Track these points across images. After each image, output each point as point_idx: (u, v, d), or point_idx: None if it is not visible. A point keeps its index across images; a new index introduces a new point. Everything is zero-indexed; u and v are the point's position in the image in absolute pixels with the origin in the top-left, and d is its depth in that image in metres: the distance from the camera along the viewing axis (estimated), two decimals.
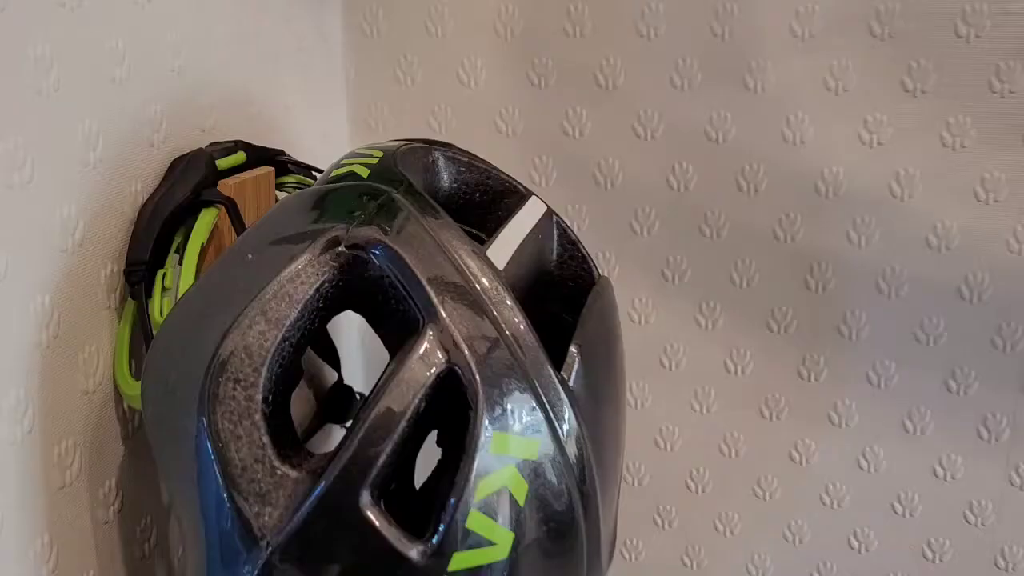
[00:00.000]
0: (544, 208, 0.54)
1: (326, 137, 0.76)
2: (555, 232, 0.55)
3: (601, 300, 0.52)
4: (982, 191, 0.69)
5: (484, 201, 0.55)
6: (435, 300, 0.40)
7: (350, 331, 0.79)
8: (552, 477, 0.42)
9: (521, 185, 0.55)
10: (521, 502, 0.41)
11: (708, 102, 0.72)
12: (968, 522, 0.76)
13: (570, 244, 0.55)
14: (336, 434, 0.72)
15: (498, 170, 0.55)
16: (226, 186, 0.52)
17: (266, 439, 0.40)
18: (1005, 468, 0.74)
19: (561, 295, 0.55)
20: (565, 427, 0.42)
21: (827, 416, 0.77)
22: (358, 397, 0.70)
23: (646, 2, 0.71)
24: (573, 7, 0.72)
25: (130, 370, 0.49)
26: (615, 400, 0.52)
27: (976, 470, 0.75)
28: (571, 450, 0.43)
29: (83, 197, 0.47)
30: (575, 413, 0.43)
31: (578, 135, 0.75)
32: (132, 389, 0.48)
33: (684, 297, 0.76)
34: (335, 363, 0.68)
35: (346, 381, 0.69)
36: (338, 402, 0.69)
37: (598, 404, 0.47)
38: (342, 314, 0.48)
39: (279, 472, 0.40)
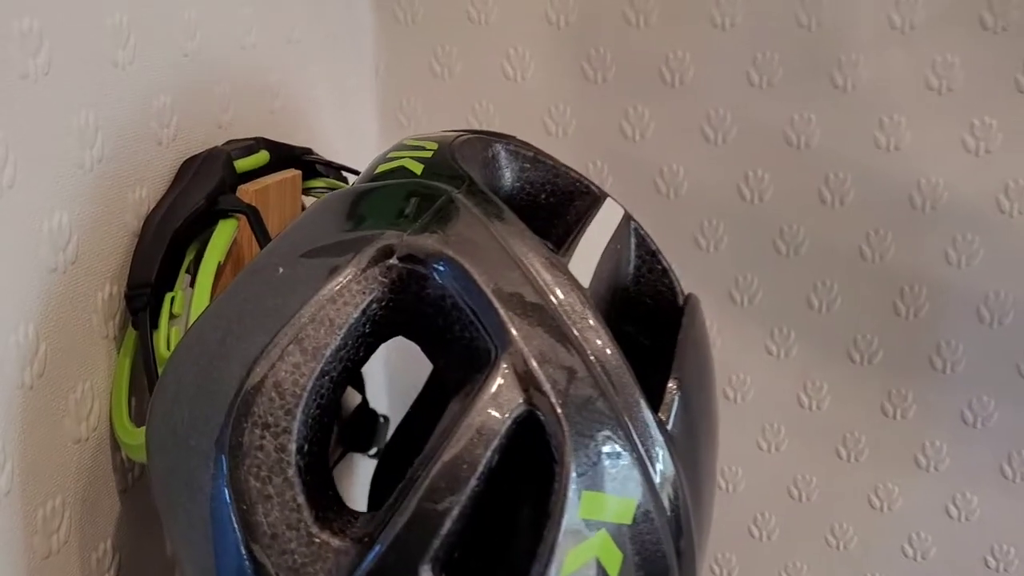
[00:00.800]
0: (622, 212, 0.46)
1: (352, 135, 0.68)
2: (632, 241, 0.47)
3: (695, 324, 0.44)
4: None
5: (551, 203, 0.48)
6: (510, 326, 0.33)
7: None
8: (648, 540, 0.35)
9: (594, 185, 0.47)
10: (614, 574, 0.34)
11: (790, 101, 0.64)
12: None
13: (649, 255, 0.48)
14: (359, 462, 0.64)
15: (567, 167, 0.47)
16: (246, 192, 0.44)
17: (302, 499, 0.33)
18: None
19: (637, 314, 0.48)
20: (661, 480, 0.35)
21: (914, 458, 0.69)
22: (382, 420, 0.63)
23: None
24: None
25: (130, 414, 0.41)
26: (712, 443, 0.45)
27: None
28: (667, 505, 0.36)
29: (77, 204, 0.39)
30: (674, 464, 0.36)
31: (639, 137, 0.67)
32: (132, 437, 0.40)
33: (754, 321, 0.68)
34: (358, 384, 0.60)
35: (370, 403, 0.62)
36: (361, 427, 0.62)
37: (696, 449, 0.40)
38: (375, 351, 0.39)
39: (318, 540, 0.33)
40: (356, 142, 0.68)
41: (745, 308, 0.68)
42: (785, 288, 0.67)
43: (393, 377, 0.74)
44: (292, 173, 0.48)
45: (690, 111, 0.66)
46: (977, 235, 0.64)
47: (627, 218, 0.46)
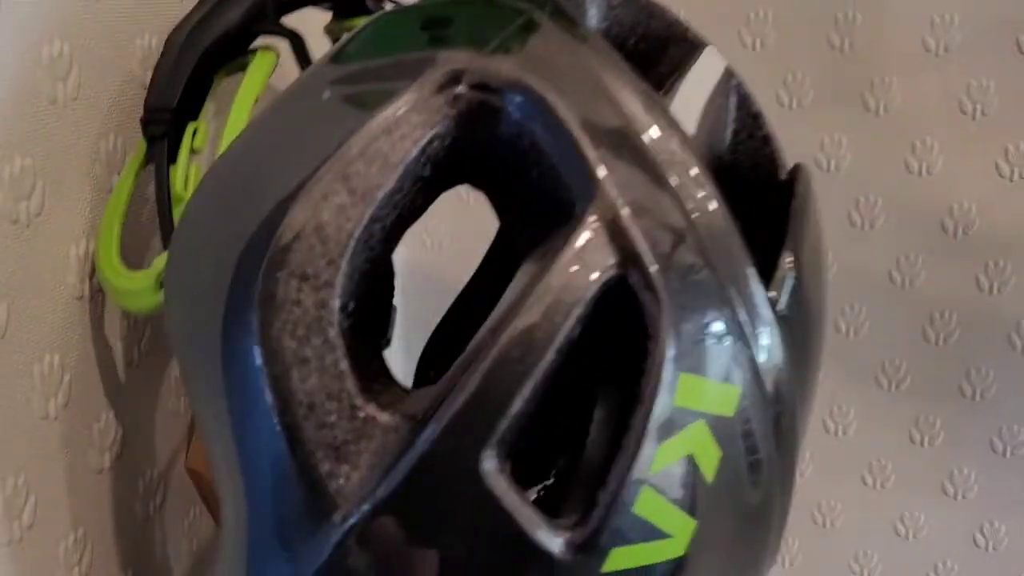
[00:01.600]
0: (724, 64, 0.39)
1: None
2: (733, 100, 0.40)
3: (811, 194, 0.37)
4: None
5: (642, 50, 0.38)
6: (599, 172, 0.28)
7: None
8: (752, 442, 0.30)
9: (692, 30, 0.38)
10: (710, 477, 0.29)
11: (821, 123, 0.63)
12: None
13: (751, 118, 0.40)
14: None
15: (663, 8, 0.40)
16: (288, 21, 0.39)
17: (345, 364, 0.28)
18: None
19: (735, 185, 0.41)
20: (768, 369, 0.30)
21: (941, 486, 0.68)
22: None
23: (752, 7, 0.62)
24: None
25: (120, 254, 0.36)
26: (822, 336, 0.37)
27: None
28: (776, 406, 0.30)
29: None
30: (784, 348, 0.30)
31: None
32: (122, 280, 0.35)
33: None
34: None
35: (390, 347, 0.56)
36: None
37: (807, 339, 0.34)
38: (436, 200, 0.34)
39: (362, 414, 0.28)
40: None
41: None
42: None
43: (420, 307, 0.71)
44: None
45: None
46: (1009, 261, 0.63)
47: (729, 73, 0.39)
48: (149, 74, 0.36)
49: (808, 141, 0.64)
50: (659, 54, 0.38)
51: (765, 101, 0.62)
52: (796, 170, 0.38)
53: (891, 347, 0.66)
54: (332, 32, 0.44)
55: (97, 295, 0.38)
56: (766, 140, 0.38)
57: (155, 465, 0.42)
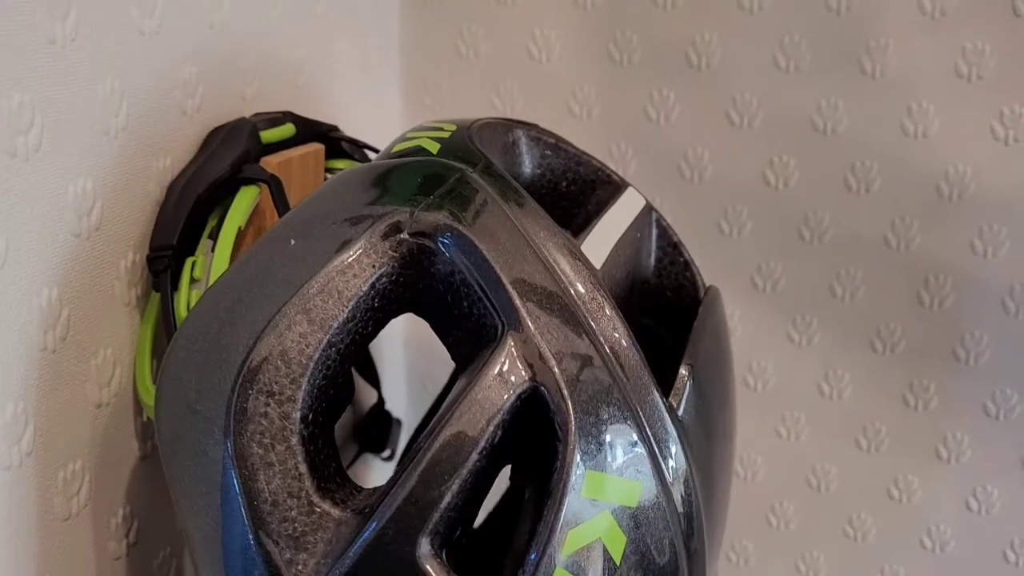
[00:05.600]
0: (643, 202, 0.46)
1: (376, 113, 0.68)
2: (654, 232, 0.47)
3: (714, 314, 0.44)
4: None
5: (572, 192, 0.48)
6: (518, 303, 0.33)
7: (393, 347, 0.71)
8: (655, 529, 0.34)
9: (616, 174, 0.47)
10: (617, 559, 0.33)
11: (817, 87, 0.63)
12: None
13: (671, 247, 0.47)
14: (375, 465, 0.64)
15: (588, 155, 0.47)
16: (270, 163, 0.44)
17: (304, 468, 0.33)
18: None
19: (658, 307, 0.47)
20: (672, 468, 0.35)
21: (935, 449, 0.68)
22: (396, 423, 0.62)
23: None
24: None
25: (152, 377, 0.41)
26: (727, 436, 0.44)
27: None
28: (678, 496, 0.35)
29: (102, 171, 0.39)
30: (684, 451, 0.35)
31: (663, 120, 0.66)
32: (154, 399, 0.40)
33: (776, 308, 0.68)
34: (374, 382, 0.60)
35: (387, 404, 0.62)
36: (377, 428, 0.61)
37: (710, 440, 0.40)
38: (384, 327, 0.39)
39: (318, 510, 0.33)
40: (380, 121, 0.68)
41: (767, 295, 0.68)
42: (808, 275, 0.67)
43: (412, 379, 0.74)
44: (315, 147, 0.49)
45: (716, 95, 0.65)
46: (1004, 225, 0.63)
47: (648, 208, 0.46)
48: (164, 191, 0.42)
49: (805, 104, 0.64)
50: (588, 194, 0.46)
51: (762, 64, 0.64)
52: (708, 290, 0.45)
53: (886, 311, 0.66)
54: None
55: (95, 234, 0.39)
56: (686, 265, 0.46)
57: (127, 503, 0.43)
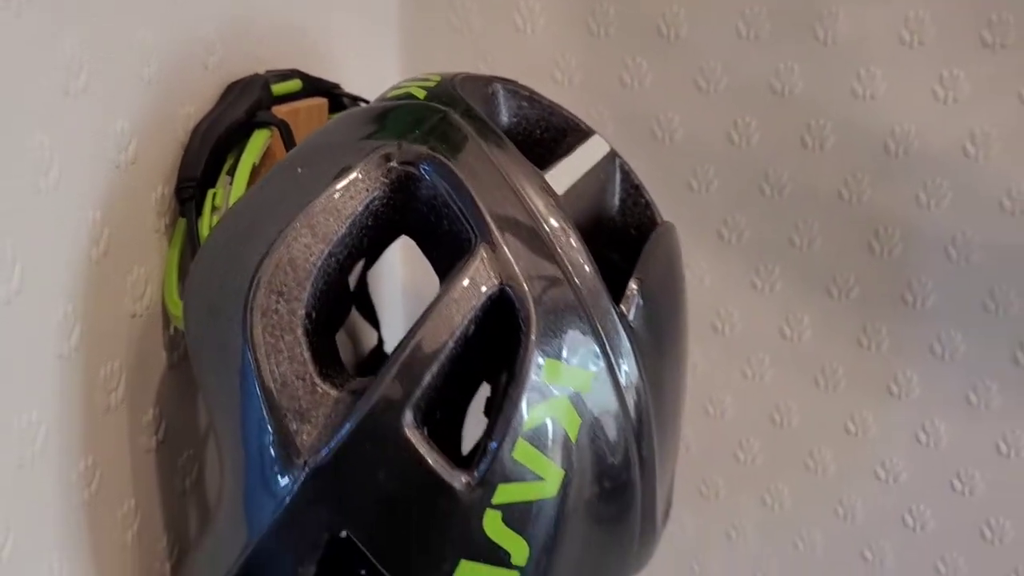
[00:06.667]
0: (607, 148, 0.52)
1: (375, 80, 0.74)
2: (618, 175, 0.53)
3: (665, 242, 0.49)
4: None
5: (545, 139, 0.53)
6: (489, 219, 0.39)
7: (392, 293, 0.77)
8: (607, 419, 0.40)
9: (584, 124, 0.53)
10: (573, 437, 0.39)
11: (775, 54, 0.69)
12: None
13: (633, 189, 0.53)
14: None
15: (561, 107, 0.53)
16: (279, 112, 0.51)
17: (307, 355, 0.39)
18: None
19: (622, 242, 0.53)
20: (623, 366, 0.40)
21: (886, 387, 0.74)
22: None
23: None
24: None
25: (179, 292, 0.47)
26: (678, 353, 0.49)
27: None
28: (630, 396, 0.41)
29: (137, 113, 0.46)
30: (634, 352, 0.40)
31: (637, 87, 0.73)
32: (181, 311, 0.47)
33: (741, 258, 0.74)
34: (375, 324, 0.66)
35: (387, 346, 0.68)
36: (377, 367, 0.67)
37: (660, 352, 0.45)
38: (384, 269, 0.45)
39: (320, 390, 0.39)
40: (377, 86, 0.75)
41: (733, 246, 0.74)
42: (769, 228, 0.73)
43: (409, 322, 0.79)
44: (320, 101, 0.55)
45: (684, 63, 0.71)
46: (945, 179, 0.69)
47: (612, 154, 0.51)
48: (189, 135, 0.49)
49: (764, 70, 0.70)
50: (559, 141, 0.52)
51: (726, 34, 0.70)
52: (663, 224, 0.50)
53: (840, 260, 0.72)
54: None
55: (131, 167, 0.46)
56: (647, 206, 0.52)
57: (157, 403, 0.49)
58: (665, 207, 0.52)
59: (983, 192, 0.68)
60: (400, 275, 0.77)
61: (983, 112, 0.67)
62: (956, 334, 0.71)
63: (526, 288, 0.38)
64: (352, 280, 0.62)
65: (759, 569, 0.80)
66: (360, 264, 0.63)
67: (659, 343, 0.45)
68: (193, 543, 0.51)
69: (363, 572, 0.43)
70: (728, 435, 0.78)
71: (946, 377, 0.72)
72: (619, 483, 0.41)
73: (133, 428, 0.48)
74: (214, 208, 0.47)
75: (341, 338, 0.63)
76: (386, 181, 0.40)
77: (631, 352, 0.40)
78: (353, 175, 0.40)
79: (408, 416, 0.38)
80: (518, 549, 0.39)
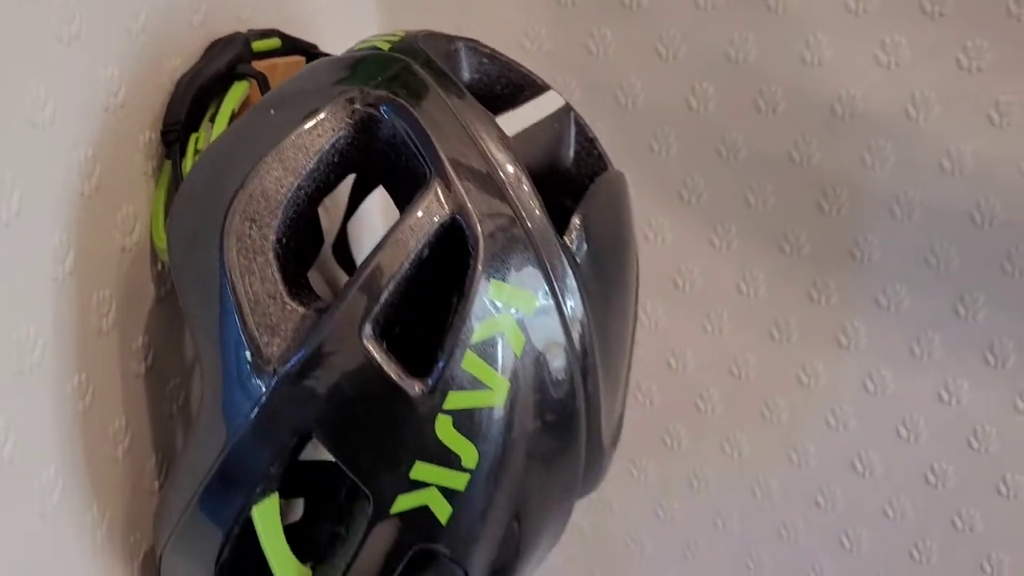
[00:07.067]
0: (562, 102, 0.55)
1: (352, 43, 0.78)
2: (573, 128, 0.57)
3: (610, 186, 0.53)
4: (996, 115, 0.70)
5: (505, 94, 0.57)
6: (444, 159, 0.43)
7: (371, 246, 0.81)
8: (552, 343, 0.44)
9: (541, 79, 0.56)
10: (518, 353, 0.42)
11: (730, 22, 0.73)
12: (972, 448, 0.77)
13: (587, 141, 0.56)
14: None
15: (520, 65, 0.57)
16: (259, 65, 0.55)
17: (277, 275, 0.43)
18: (1011, 394, 0.75)
19: (576, 192, 0.57)
20: (568, 300, 0.44)
21: (836, 339, 0.78)
22: None
23: None
24: None
25: (165, 226, 0.52)
26: (622, 292, 0.52)
27: (982, 396, 0.76)
28: (575, 328, 0.44)
29: (126, 62, 0.50)
30: (579, 285, 0.44)
31: (602, 55, 0.77)
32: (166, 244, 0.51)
33: (700, 218, 0.78)
34: (349, 267, 0.70)
35: None
36: None
37: (603, 287, 0.48)
38: (365, 225, 0.48)
39: (289, 307, 0.43)
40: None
41: (692, 206, 0.78)
42: (726, 188, 0.77)
43: None
44: (298, 58, 0.59)
45: (645, 32, 0.75)
46: (888, 142, 0.73)
47: (567, 108, 0.55)
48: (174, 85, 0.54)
49: (720, 38, 0.74)
50: (518, 96, 0.54)
51: (684, 3, 0.74)
52: (611, 170, 0.53)
53: (791, 218, 0.76)
54: None
55: (120, 110, 0.50)
56: (600, 157, 0.54)
57: (146, 332, 0.53)
58: (628, 170, 0.55)
59: (924, 154, 0.72)
60: (381, 232, 0.81)
61: (923, 77, 0.71)
62: (900, 287, 0.75)
63: (476, 219, 0.42)
64: (332, 233, 0.66)
65: (719, 514, 0.84)
66: (340, 217, 0.67)
67: (603, 278, 0.48)
68: (177, 458, 0.56)
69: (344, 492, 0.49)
70: (689, 387, 0.82)
71: (891, 328, 0.76)
72: (561, 395, 0.44)
73: (123, 353, 0.52)
74: (196, 151, 0.51)
75: (323, 290, 0.68)
76: (350, 121, 0.44)
77: (576, 286, 0.44)
78: (320, 116, 0.44)
79: (368, 329, 0.41)
80: (468, 453, 0.43)
